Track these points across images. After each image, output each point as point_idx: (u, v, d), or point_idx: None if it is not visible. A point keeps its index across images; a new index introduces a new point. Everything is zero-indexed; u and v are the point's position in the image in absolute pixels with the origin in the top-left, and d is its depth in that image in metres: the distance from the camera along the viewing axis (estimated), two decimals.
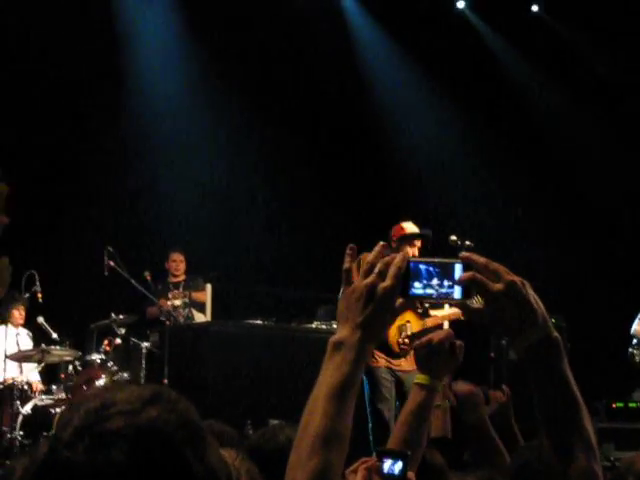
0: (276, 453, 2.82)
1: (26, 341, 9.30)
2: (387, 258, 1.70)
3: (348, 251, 1.75)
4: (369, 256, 1.71)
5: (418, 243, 7.47)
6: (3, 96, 10.08)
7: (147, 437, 1.16)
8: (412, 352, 6.50)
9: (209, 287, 9.07)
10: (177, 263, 9.81)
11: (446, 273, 1.73)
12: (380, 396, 7.22)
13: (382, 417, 7.17)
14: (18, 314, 9.15)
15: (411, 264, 1.73)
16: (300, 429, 1.60)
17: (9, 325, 9.09)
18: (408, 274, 1.72)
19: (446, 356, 2.31)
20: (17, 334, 8.96)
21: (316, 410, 1.58)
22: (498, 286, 1.63)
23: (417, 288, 1.74)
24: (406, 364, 7.24)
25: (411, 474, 1.80)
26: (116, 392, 1.22)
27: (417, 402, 2.27)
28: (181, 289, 9.63)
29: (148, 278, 9.03)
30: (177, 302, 9.41)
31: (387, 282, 1.67)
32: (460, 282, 1.70)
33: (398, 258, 1.69)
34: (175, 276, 9.82)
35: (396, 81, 12.13)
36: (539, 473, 2.60)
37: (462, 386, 3.35)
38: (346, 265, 1.75)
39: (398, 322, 7.28)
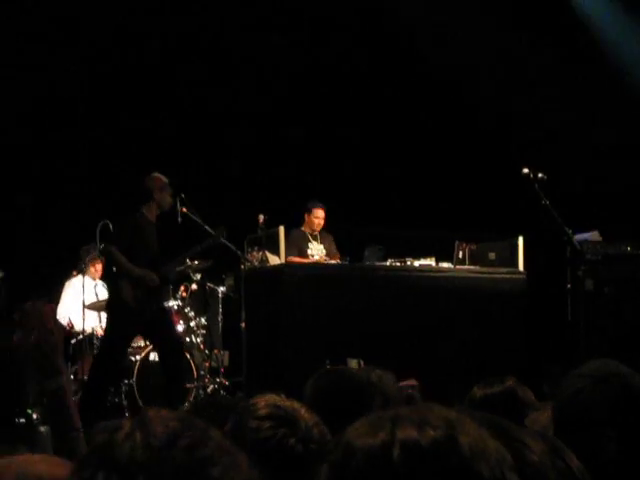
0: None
1: (105, 292, 9.39)
2: None
3: None
4: None
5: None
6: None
7: None
8: None
9: (282, 229, 8.97)
10: (320, 220, 9.67)
11: None
12: None
13: None
14: (94, 270, 9.22)
15: None
16: None
17: (87, 277, 9.15)
18: None
19: None
20: (95, 285, 9.03)
21: None
22: None
23: None
24: None
25: None
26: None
27: None
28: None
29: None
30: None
31: None
32: None
33: None
34: (313, 230, 9.70)
35: None
36: None
37: None
38: None
39: None
